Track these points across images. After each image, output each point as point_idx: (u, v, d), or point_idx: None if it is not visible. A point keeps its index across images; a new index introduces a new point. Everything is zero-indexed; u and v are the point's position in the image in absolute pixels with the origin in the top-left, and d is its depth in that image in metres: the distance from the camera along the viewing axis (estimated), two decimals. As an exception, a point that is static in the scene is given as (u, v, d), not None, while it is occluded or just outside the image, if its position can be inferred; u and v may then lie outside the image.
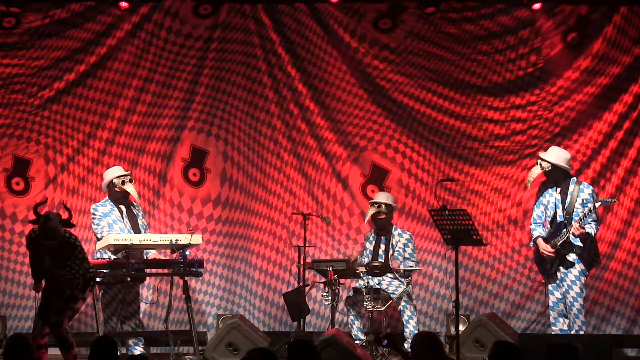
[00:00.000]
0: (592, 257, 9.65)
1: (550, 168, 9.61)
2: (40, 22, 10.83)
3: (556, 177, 9.64)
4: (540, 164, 9.64)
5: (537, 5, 10.87)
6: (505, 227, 11.04)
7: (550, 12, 10.95)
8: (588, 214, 9.38)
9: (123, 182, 9.84)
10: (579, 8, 10.93)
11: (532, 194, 10.39)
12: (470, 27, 11.02)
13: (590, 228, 9.46)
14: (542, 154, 9.71)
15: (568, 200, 9.57)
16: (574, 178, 9.74)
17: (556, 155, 9.66)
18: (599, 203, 9.48)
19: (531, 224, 9.84)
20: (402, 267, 10.13)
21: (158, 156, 11.03)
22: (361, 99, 11.12)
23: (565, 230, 9.48)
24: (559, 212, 9.60)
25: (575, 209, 9.52)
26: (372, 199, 10.59)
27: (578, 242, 9.50)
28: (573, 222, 9.41)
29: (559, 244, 9.50)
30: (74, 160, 10.95)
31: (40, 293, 8.47)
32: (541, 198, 9.76)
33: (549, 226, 9.70)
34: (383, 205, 10.28)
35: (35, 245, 8.28)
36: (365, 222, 10.55)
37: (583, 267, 9.55)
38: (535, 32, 10.98)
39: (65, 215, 8.20)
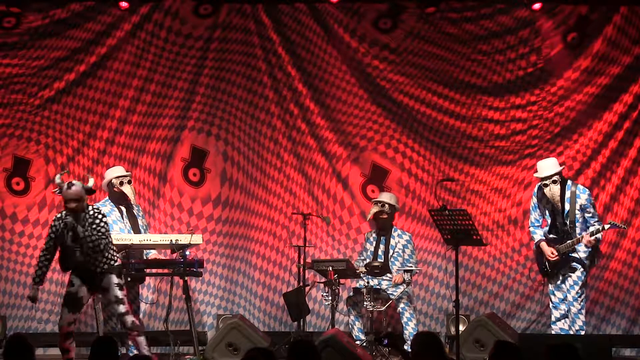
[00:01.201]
0: (593, 257, 9.66)
1: (560, 179, 9.59)
2: (40, 22, 10.82)
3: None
4: (554, 181, 9.55)
5: (537, 5, 10.87)
6: (505, 227, 11.04)
7: (550, 12, 10.95)
8: (595, 232, 9.38)
9: (121, 183, 9.84)
10: (579, 8, 10.93)
11: (532, 194, 10.40)
12: (470, 27, 11.02)
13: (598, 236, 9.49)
14: (542, 175, 9.59)
15: (567, 207, 9.55)
16: (570, 181, 9.73)
17: (550, 166, 9.62)
18: (608, 225, 9.46)
19: (530, 227, 9.84)
20: (403, 276, 10.08)
21: (158, 156, 11.03)
22: (361, 99, 11.12)
23: (569, 242, 9.47)
24: (559, 219, 9.61)
25: (575, 216, 9.53)
26: (373, 198, 10.61)
27: (582, 249, 9.50)
28: (584, 234, 9.41)
29: (562, 252, 9.52)
30: (74, 160, 10.95)
31: (67, 278, 8.69)
32: (537, 202, 9.75)
33: (547, 229, 9.70)
34: (387, 205, 10.29)
35: (61, 224, 8.50)
36: (368, 219, 10.55)
37: (583, 271, 9.56)
38: (535, 32, 10.98)
39: (89, 184, 8.57)
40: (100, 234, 8.46)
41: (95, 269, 8.54)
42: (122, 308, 8.58)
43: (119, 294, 8.59)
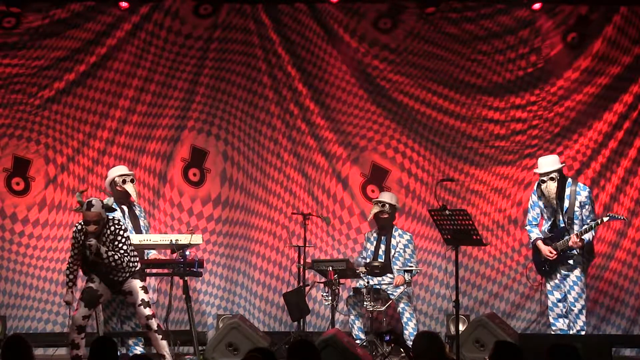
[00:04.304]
0: (588, 256, 9.67)
1: (558, 176, 9.60)
2: (40, 22, 10.83)
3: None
4: (552, 178, 9.58)
5: (537, 5, 10.87)
6: (505, 227, 11.04)
7: (550, 12, 10.95)
8: (589, 230, 9.39)
9: (124, 181, 9.84)
10: (579, 8, 10.93)
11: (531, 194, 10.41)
12: (470, 27, 11.02)
13: (588, 234, 9.48)
14: (541, 170, 9.61)
15: (567, 204, 9.56)
16: (570, 179, 9.74)
17: (550, 162, 9.63)
18: (607, 218, 9.48)
19: (527, 225, 9.85)
20: (404, 277, 10.07)
21: (158, 156, 11.03)
22: (361, 99, 11.12)
23: (567, 238, 9.49)
24: (559, 216, 9.61)
25: (574, 212, 9.53)
26: (373, 198, 10.62)
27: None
28: (572, 235, 9.42)
29: (560, 249, 9.52)
30: (74, 160, 10.95)
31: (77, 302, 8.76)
32: (537, 200, 9.76)
33: (546, 230, 9.70)
34: (387, 205, 10.30)
35: (82, 236, 8.55)
36: (369, 219, 10.56)
37: (582, 269, 9.57)
38: (535, 32, 10.98)
39: (107, 200, 8.58)
40: (122, 251, 8.55)
41: (117, 279, 8.65)
42: (147, 311, 8.67)
43: (145, 296, 8.69)
